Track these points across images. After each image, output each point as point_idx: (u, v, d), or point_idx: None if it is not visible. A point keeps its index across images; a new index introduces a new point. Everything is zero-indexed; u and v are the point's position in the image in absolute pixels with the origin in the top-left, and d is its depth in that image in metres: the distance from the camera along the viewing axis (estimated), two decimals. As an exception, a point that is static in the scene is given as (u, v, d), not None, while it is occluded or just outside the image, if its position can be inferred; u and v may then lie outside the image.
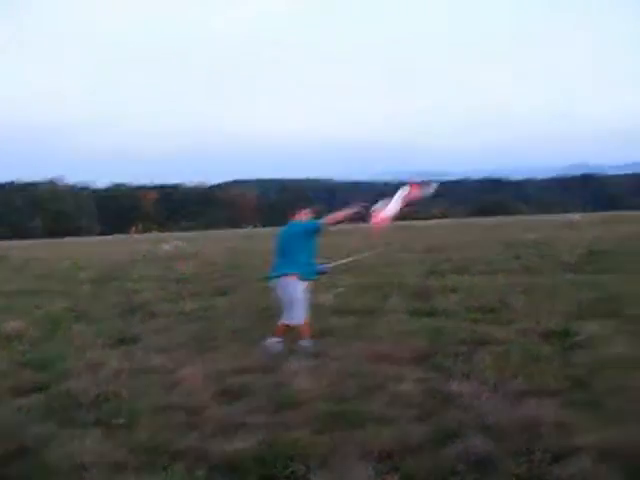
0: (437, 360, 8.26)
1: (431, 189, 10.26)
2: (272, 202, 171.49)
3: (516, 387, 6.99)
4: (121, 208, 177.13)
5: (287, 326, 9.43)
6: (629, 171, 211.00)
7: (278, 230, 10.04)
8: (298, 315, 9.33)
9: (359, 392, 7.13)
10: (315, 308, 12.53)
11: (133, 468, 5.34)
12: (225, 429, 6.14)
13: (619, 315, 10.63)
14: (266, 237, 45.89)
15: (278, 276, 9.38)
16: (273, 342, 9.30)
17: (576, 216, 55.70)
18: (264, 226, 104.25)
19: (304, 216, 9.73)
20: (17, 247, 54.13)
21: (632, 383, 6.86)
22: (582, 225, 42.65)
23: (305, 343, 9.21)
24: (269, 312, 11.61)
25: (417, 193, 9.99)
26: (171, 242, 39.82)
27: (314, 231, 9.52)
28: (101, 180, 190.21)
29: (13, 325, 11.87)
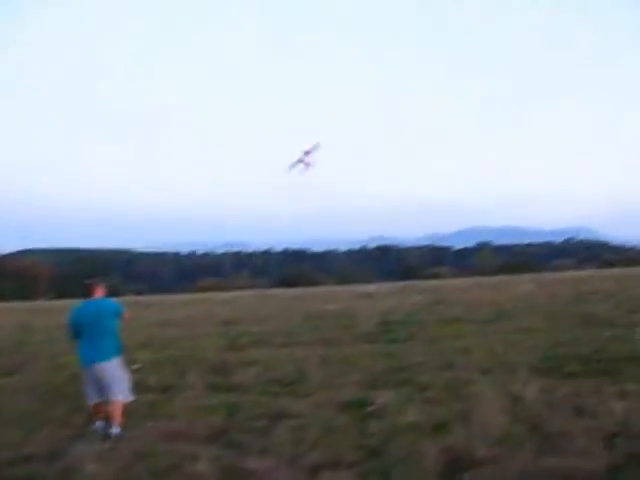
0: (234, 436, 8.11)
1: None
2: (68, 273, 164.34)
3: (313, 460, 7.00)
4: None
5: (103, 406, 8.98)
6: (424, 242, 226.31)
7: (74, 307, 9.33)
8: (124, 390, 9.04)
9: (153, 474, 6.83)
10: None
11: None
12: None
13: (411, 383, 11.06)
14: (61, 310, 43.71)
15: (94, 362, 8.89)
16: (101, 425, 8.81)
17: (371, 287, 58.14)
18: (60, 298, 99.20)
19: (100, 293, 9.36)
20: None
21: (423, 449, 7.08)
22: (378, 295, 44.51)
23: (115, 430, 8.67)
24: (58, 392, 10.93)
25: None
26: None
27: (121, 313, 9.43)
28: None
29: None
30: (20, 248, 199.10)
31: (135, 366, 14.16)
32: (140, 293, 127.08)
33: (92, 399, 8.96)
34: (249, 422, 8.75)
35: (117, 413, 8.83)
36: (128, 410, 9.74)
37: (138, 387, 11.88)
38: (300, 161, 22.65)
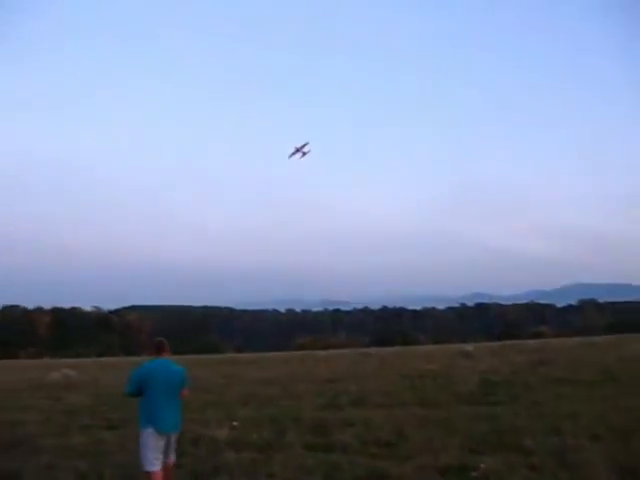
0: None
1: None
2: (170, 329, 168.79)
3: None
4: (12, 331, 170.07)
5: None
6: (524, 299, 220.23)
7: (145, 363, 8.99)
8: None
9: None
10: (209, 442, 12.15)
11: None
12: None
13: (514, 448, 10.73)
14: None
15: (174, 429, 8.79)
16: None
17: (470, 346, 56.89)
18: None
19: (167, 353, 9.11)
20: None
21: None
22: (478, 355, 43.50)
23: None
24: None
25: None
26: (61, 370, 38.06)
27: (186, 384, 9.13)
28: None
29: None
30: (125, 305, 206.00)
31: (235, 423, 14.38)
32: (239, 350, 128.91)
33: (155, 466, 8.49)
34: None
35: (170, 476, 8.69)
36: (230, 467, 9.89)
37: (237, 444, 12.06)
38: (297, 151, 32.53)
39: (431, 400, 18.07)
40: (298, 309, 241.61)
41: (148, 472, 8.39)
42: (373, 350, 69.21)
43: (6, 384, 30.25)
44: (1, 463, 10.92)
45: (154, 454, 8.44)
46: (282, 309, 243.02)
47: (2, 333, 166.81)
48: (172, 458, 8.78)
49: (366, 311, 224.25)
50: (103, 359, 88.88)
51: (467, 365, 32.77)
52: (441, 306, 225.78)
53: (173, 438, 8.76)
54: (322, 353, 62.67)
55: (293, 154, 34.55)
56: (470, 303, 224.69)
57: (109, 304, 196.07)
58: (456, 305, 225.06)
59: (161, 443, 8.52)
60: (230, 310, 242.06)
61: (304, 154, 33.98)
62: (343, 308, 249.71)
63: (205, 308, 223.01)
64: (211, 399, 20.15)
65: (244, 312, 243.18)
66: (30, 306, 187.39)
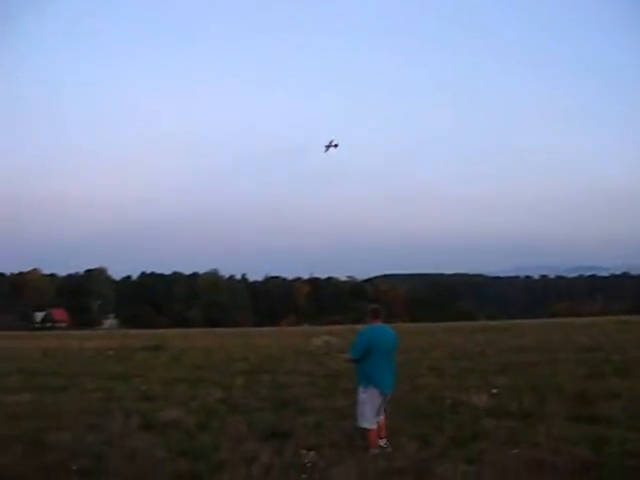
0: (605, 474, 7.64)
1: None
2: (421, 297, 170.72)
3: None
4: (274, 300, 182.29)
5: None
6: None
7: (369, 329, 9.71)
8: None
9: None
10: (468, 408, 12.17)
11: None
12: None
13: None
14: (413, 332, 45.45)
15: (389, 390, 9.59)
16: (385, 444, 9.36)
17: None
18: (412, 321, 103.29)
19: (380, 320, 9.80)
20: (176, 336, 56.59)
21: None
22: None
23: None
24: (420, 412, 11.41)
25: None
26: (321, 337, 40.14)
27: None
28: (256, 272, 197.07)
29: (171, 414, 12.34)
30: (378, 273, 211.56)
31: (493, 390, 14.26)
32: (492, 317, 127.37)
33: (372, 423, 9.33)
34: (619, 459, 8.18)
35: (369, 438, 9.29)
36: (489, 434, 9.87)
37: (496, 412, 11.95)
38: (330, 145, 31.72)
39: None
40: (552, 275, 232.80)
41: (368, 429, 9.28)
42: (635, 318, 64.85)
43: (272, 350, 32.49)
44: (274, 421, 11.74)
45: (373, 412, 9.28)
46: (535, 275, 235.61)
47: (265, 302, 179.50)
48: (382, 416, 9.57)
49: (625, 276, 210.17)
50: (358, 326, 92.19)
51: None
52: None
53: (386, 398, 9.57)
54: (580, 320, 59.99)
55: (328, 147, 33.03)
56: None
57: (362, 274, 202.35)
58: None
59: (378, 403, 9.33)
60: (482, 277, 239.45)
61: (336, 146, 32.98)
62: (599, 274, 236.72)
63: (457, 276, 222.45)
64: (468, 366, 20.17)
65: (496, 279, 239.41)
66: (290, 277, 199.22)
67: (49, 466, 8.58)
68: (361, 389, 9.39)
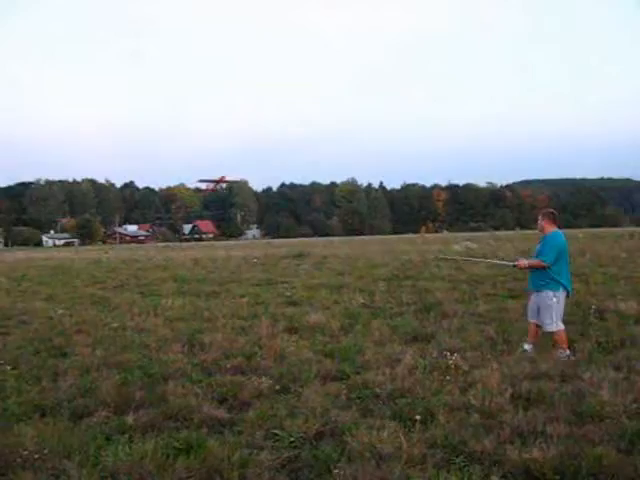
0: None
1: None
2: (563, 203, 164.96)
3: None
4: (412, 207, 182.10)
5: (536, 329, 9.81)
6: None
7: (561, 234, 9.75)
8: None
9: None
10: (615, 315, 11.84)
11: (432, 464, 5.44)
12: (522, 435, 6.01)
13: None
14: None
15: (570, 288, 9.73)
16: (530, 347, 9.52)
17: None
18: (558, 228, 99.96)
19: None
20: (317, 244, 57.90)
21: None
22: None
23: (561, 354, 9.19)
24: (566, 318, 11.17)
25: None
26: (461, 242, 39.88)
27: None
28: (393, 180, 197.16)
29: (315, 318, 12.76)
30: (518, 179, 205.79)
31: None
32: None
33: (562, 325, 9.48)
34: None
35: (559, 340, 9.35)
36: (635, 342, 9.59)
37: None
38: None
39: None
40: None
41: (559, 330, 9.40)
42: None
43: (413, 255, 32.50)
44: (416, 325, 11.91)
45: (561, 313, 9.46)
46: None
47: (404, 210, 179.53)
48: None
49: None
50: (499, 233, 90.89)
51: None
52: None
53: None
54: None
55: None
56: None
57: (501, 179, 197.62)
58: None
59: (564, 305, 9.57)
60: (629, 181, 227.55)
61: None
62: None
63: (601, 180, 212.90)
64: (615, 273, 19.48)
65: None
66: (427, 184, 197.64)
67: (205, 364, 9.19)
68: (551, 293, 9.42)
